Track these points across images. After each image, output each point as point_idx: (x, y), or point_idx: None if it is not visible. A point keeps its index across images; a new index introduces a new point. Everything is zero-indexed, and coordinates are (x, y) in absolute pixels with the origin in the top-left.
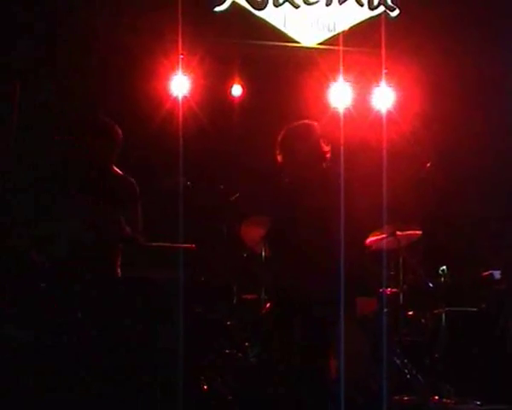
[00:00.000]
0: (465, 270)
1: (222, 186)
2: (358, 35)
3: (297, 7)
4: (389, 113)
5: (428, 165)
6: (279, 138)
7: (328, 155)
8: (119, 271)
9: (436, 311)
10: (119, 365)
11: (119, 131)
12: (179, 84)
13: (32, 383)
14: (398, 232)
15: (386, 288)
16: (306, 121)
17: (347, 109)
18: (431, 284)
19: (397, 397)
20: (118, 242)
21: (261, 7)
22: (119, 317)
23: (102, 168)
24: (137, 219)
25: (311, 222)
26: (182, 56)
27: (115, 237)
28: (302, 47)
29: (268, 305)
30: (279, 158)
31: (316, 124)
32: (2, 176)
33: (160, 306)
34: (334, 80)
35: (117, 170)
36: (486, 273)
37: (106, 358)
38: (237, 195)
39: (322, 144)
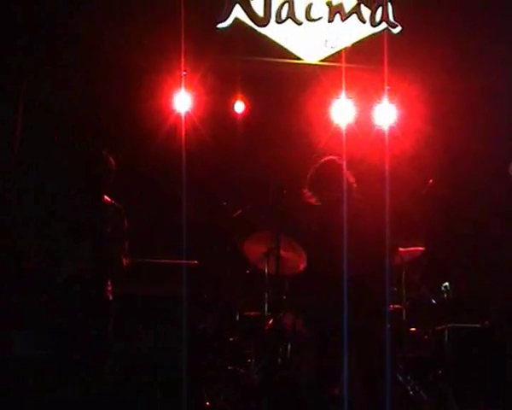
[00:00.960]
0: (468, 286)
1: (225, 203)
2: (361, 52)
3: (299, 23)
4: (391, 129)
5: (431, 181)
6: (308, 179)
7: (354, 185)
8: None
9: (439, 327)
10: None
11: (113, 163)
12: (182, 101)
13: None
14: (401, 249)
15: (389, 304)
16: (330, 158)
17: (350, 126)
18: (434, 301)
19: None
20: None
21: (264, 23)
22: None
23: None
24: (125, 246)
25: (359, 248)
26: (185, 73)
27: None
28: (304, 64)
29: (271, 321)
30: (310, 199)
31: (337, 158)
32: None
33: (162, 322)
34: (337, 97)
35: (107, 198)
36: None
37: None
38: (240, 211)
39: (349, 176)
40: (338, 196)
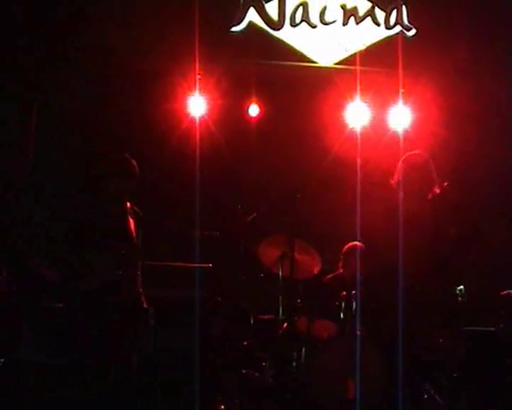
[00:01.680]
0: (483, 289)
1: (239, 206)
2: (375, 55)
3: (314, 27)
4: (406, 132)
5: (446, 184)
6: (399, 166)
7: (436, 190)
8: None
9: (454, 330)
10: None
11: (137, 168)
12: (196, 105)
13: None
14: None
15: None
16: (422, 153)
17: (364, 129)
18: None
19: None
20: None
21: (278, 27)
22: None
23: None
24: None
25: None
26: (199, 77)
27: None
28: (319, 67)
29: (285, 325)
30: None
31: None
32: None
33: (176, 324)
34: (351, 100)
35: (128, 205)
36: (504, 293)
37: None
38: (254, 215)
39: (434, 176)
40: (418, 189)
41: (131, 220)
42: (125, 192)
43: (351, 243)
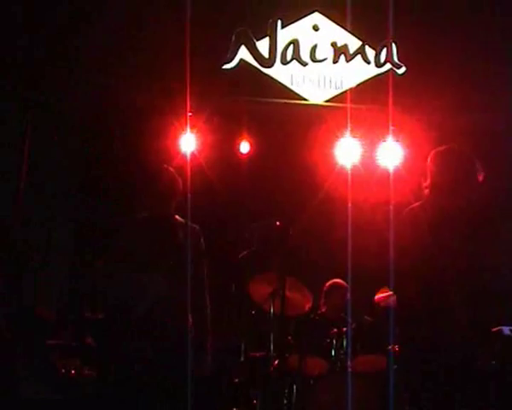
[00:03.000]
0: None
1: (230, 244)
2: (366, 92)
3: (304, 64)
4: (396, 169)
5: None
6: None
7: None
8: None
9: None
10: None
11: (180, 180)
12: (187, 142)
13: None
14: None
15: (395, 345)
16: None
17: (355, 165)
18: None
19: None
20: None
21: (269, 65)
22: None
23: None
24: (202, 273)
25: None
26: (190, 114)
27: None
28: (310, 104)
29: (276, 362)
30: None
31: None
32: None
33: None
34: (342, 137)
35: (178, 218)
36: (496, 329)
37: None
38: (245, 252)
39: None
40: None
41: (179, 234)
42: (169, 206)
43: (331, 281)
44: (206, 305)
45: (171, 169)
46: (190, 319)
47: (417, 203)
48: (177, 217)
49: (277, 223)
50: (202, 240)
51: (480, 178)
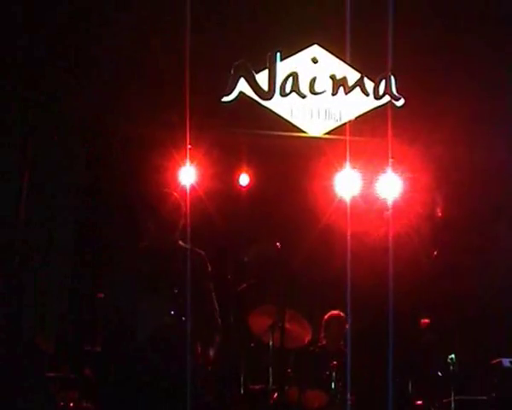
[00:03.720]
0: (474, 358)
1: (229, 276)
2: (365, 124)
3: (303, 97)
4: (396, 201)
5: (435, 253)
6: None
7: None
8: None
9: (445, 400)
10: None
11: (183, 205)
12: (187, 174)
13: None
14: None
15: None
16: None
17: (354, 198)
18: (440, 373)
19: None
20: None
21: (268, 97)
22: None
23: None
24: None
25: None
26: (190, 147)
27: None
28: (309, 137)
29: (276, 395)
30: None
31: None
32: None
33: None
34: (341, 169)
35: (182, 244)
36: (496, 361)
37: None
38: (244, 285)
39: None
40: None
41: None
42: (173, 231)
43: (329, 313)
44: (216, 327)
45: (175, 194)
46: (199, 349)
47: None
48: (181, 243)
49: (277, 244)
50: (208, 265)
51: None
